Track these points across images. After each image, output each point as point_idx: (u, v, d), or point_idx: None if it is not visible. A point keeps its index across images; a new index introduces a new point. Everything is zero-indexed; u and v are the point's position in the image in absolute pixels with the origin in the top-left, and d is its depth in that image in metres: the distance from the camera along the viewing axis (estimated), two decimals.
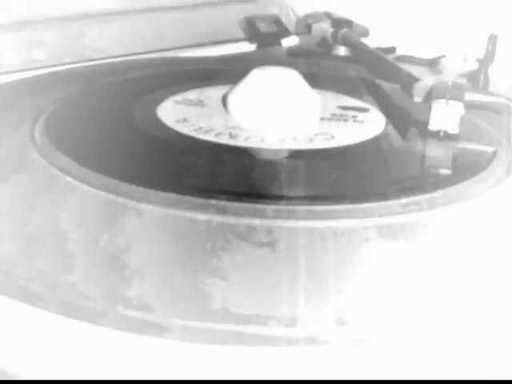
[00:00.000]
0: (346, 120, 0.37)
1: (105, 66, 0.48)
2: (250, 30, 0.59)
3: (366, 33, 0.55)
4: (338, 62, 0.53)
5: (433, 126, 0.34)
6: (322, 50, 0.56)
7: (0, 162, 0.31)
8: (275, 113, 0.36)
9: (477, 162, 0.32)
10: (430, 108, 0.34)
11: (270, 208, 0.26)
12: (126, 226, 0.25)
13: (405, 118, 0.38)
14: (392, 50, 0.57)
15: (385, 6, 0.58)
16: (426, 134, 0.34)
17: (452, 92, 0.34)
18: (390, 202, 0.27)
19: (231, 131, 0.34)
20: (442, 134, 0.34)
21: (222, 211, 0.26)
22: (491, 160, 0.32)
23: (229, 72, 0.43)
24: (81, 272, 0.23)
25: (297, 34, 0.61)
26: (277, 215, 0.26)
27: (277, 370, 0.20)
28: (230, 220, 0.25)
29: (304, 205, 0.27)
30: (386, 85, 0.44)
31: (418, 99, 0.37)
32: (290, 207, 0.26)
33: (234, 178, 0.30)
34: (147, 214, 0.26)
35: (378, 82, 0.45)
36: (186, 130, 0.34)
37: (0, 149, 0.32)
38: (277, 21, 0.59)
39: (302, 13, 0.63)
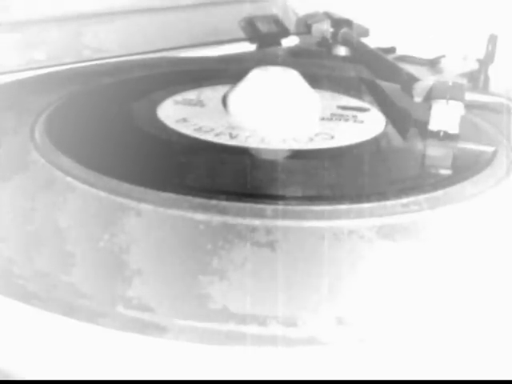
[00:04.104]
0: (346, 120, 0.37)
1: (105, 66, 0.48)
2: (250, 30, 0.59)
3: (365, 33, 0.55)
4: (337, 62, 0.53)
5: (433, 125, 0.34)
6: (321, 50, 0.56)
7: (0, 162, 0.31)
8: (275, 113, 0.36)
9: (477, 161, 0.32)
10: (430, 108, 0.34)
11: (269, 208, 0.26)
12: (125, 226, 0.25)
13: (405, 118, 0.38)
14: (392, 49, 0.57)
15: (385, 5, 0.58)
16: (426, 133, 0.34)
17: (452, 92, 0.34)
18: (390, 202, 0.27)
19: (231, 131, 0.34)
20: (442, 133, 0.34)
21: (222, 211, 0.26)
22: (491, 160, 0.32)
23: (229, 72, 0.43)
24: (80, 272, 0.23)
25: (297, 34, 0.61)
26: (276, 215, 0.26)
27: (277, 370, 0.20)
28: (230, 220, 0.25)
29: (304, 205, 0.27)
30: (385, 85, 0.44)
31: (418, 99, 0.37)
32: (290, 207, 0.26)
33: (233, 178, 0.30)
34: (147, 214, 0.26)
35: (378, 81, 0.45)
36: (185, 129, 0.34)
37: (0, 149, 0.32)
38: (277, 21, 0.59)
39: (301, 13, 0.63)
